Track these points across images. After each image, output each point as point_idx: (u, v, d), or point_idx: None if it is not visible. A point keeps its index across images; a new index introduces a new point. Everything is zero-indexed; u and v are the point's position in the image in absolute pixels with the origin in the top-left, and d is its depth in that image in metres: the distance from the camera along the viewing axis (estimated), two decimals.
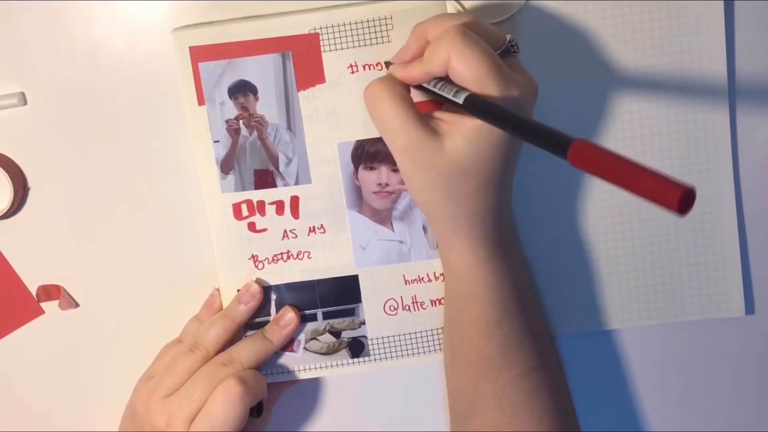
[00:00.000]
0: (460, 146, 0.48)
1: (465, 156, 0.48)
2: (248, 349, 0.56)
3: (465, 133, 0.48)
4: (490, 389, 0.53)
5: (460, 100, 0.47)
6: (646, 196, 0.37)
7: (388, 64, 0.55)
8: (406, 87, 0.51)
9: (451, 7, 0.55)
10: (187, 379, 0.55)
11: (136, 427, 0.56)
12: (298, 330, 0.59)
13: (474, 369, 0.53)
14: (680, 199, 0.35)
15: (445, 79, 0.49)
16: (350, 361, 0.59)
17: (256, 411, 0.57)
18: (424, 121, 0.49)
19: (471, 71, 0.46)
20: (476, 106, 0.46)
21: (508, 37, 0.50)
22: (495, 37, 0.50)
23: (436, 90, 0.50)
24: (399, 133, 0.49)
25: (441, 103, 0.51)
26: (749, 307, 0.61)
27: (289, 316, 0.58)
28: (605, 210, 0.59)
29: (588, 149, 0.38)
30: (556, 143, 0.40)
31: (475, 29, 0.48)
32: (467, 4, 0.56)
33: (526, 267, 0.55)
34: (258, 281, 0.58)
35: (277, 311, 0.59)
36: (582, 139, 0.39)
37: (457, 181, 0.49)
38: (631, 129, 0.58)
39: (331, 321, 0.59)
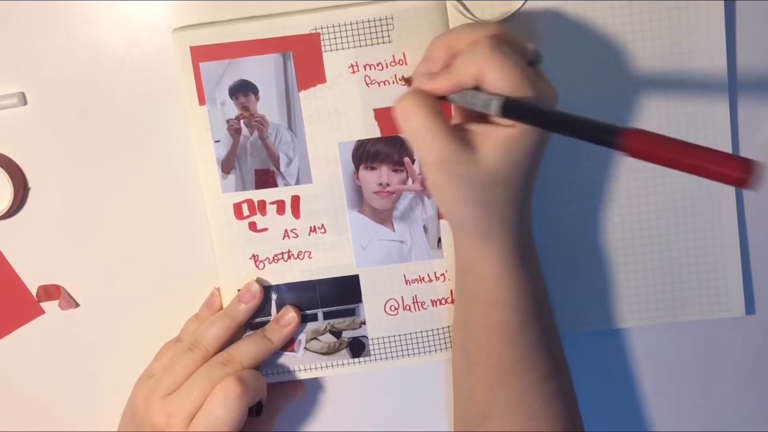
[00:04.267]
0: (494, 157, 0.47)
1: (500, 167, 0.47)
2: (248, 349, 0.56)
3: (499, 144, 0.47)
4: (506, 394, 0.52)
5: (494, 109, 0.46)
6: (710, 176, 0.37)
7: (407, 80, 0.55)
8: (437, 99, 0.50)
9: (451, 7, 0.55)
10: (187, 378, 0.55)
11: (136, 426, 0.56)
12: (298, 330, 0.59)
13: (490, 374, 0.53)
14: (744, 172, 0.35)
15: (473, 89, 0.48)
16: (351, 360, 0.59)
17: (255, 411, 0.57)
18: (457, 133, 0.48)
19: (507, 83, 0.46)
20: (516, 109, 0.46)
21: (531, 46, 0.50)
22: (520, 48, 0.49)
23: (464, 101, 0.49)
24: (432, 148, 0.48)
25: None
26: (749, 308, 0.61)
27: (290, 315, 0.58)
28: (605, 210, 0.59)
29: (643, 137, 0.38)
30: (606, 134, 0.39)
31: (503, 40, 0.48)
32: (467, 4, 0.56)
33: (542, 273, 0.55)
34: (258, 281, 0.58)
35: (277, 311, 0.59)
36: (634, 128, 0.38)
37: (492, 192, 0.48)
38: None
39: (331, 321, 0.59)
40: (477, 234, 0.50)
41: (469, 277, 0.53)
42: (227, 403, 0.53)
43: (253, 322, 0.58)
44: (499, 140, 0.47)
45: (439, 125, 0.48)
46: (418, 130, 0.48)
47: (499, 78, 0.46)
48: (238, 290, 0.58)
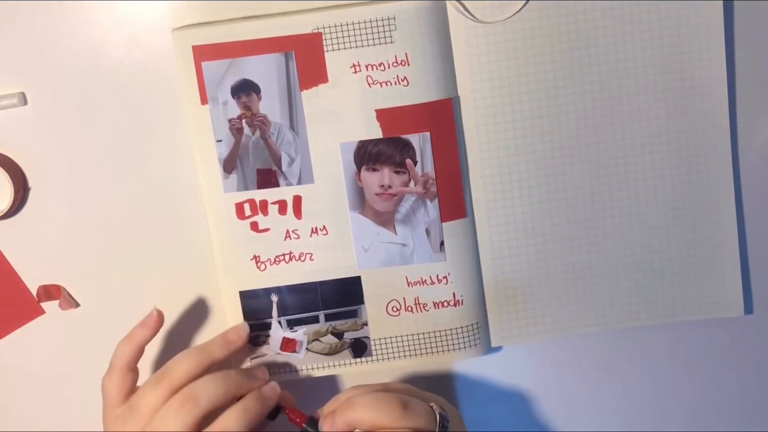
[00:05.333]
0: None
1: None
2: (211, 384, 0.52)
3: None
4: None
5: None
6: None
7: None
8: None
9: (451, 8, 0.55)
10: (151, 417, 0.51)
11: None
12: (299, 331, 0.59)
13: None
14: None
15: None
16: (352, 361, 0.60)
17: (271, 415, 0.55)
18: None
19: None
20: None
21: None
22: None
23: None
24: None
25: None
26: (748, 307, 0.62)
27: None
28: (605, 210, 0.59)
29: None
30: None
31: None
32: (467, 5, 0.56)
33: None
34: (245, 325, 0.58)
35: (279, 313, 0.59)
36: None
37: None
38: (631, 129, 0.58)
39: (333, 323, 0.59)
40: None
41: None
42: None
43: (256, 323, 0.58)
44: None
45: None
46: None
47: None
48: (239, 322, 0.58)
